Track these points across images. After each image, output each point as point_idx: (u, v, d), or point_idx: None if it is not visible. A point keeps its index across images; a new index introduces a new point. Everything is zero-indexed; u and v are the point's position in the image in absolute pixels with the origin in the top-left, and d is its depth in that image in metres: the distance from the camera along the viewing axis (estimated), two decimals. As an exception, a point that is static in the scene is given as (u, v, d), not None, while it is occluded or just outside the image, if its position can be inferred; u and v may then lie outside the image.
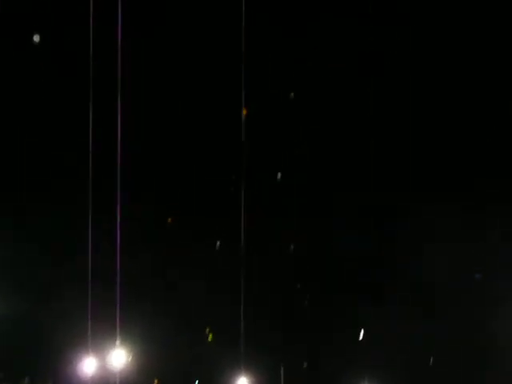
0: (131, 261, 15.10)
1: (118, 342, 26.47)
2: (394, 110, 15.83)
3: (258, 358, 15.21)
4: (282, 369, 15.70)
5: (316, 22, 15.45)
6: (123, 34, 14.30)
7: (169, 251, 16.09)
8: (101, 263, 15.47)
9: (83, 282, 18.54)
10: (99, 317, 16.31)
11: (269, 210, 15.71)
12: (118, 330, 15.56)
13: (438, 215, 14.69)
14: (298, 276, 15.98)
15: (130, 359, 33.15)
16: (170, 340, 16.89)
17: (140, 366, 18.87)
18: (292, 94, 15.86)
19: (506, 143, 15.38)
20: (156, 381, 30.67)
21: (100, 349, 31.45)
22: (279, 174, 15.94)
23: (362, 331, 16.12)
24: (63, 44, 15.39)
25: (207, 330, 16.51)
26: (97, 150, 14.56)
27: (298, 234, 15.82)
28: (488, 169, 15.53)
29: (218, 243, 15.88)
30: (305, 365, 16.11)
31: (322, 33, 15.43)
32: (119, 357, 31.90)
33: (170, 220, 16.29)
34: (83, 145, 14.80)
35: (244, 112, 15.23)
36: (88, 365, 31.63)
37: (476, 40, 15.33)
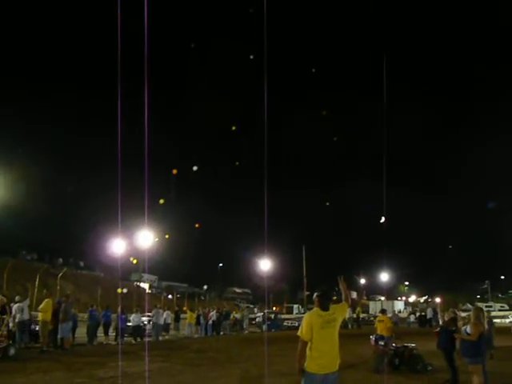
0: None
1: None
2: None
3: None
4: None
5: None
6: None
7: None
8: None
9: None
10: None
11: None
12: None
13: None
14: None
15: (156, 240, 41.51)
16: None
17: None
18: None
19: None
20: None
21: (129, 230, 38.84)
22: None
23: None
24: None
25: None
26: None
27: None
28: None
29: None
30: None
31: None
32: (146, 238, 40.05)
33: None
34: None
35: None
36: (118, 245, 39.56)
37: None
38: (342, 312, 6.16)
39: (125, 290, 44.34)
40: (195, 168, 41.17)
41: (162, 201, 39.08)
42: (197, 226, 55.80)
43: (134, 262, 51.98)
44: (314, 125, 69.28)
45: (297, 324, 38.47)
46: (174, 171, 42.47)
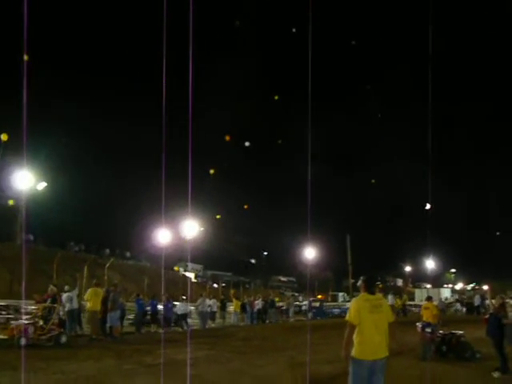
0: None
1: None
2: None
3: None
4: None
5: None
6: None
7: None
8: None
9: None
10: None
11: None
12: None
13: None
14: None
15: (201, 229, 41.79)
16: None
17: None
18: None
19: None
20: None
21: (173, 220, 39.20)
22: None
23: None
24: None
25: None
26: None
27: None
28: None
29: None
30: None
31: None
32: (191, 227, 40.50)
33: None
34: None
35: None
36: (163, 235, 40.10)
37: None
38: (388, 307, 6.12)
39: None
40: (247, 144, 41.09)
41: (212, 171, 39.26)
42: (245, 207, 55.95)
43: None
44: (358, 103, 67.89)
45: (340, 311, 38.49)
46: (227, 137, 42.24)
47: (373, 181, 70.02)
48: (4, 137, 30.76)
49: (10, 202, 38.17)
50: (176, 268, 66.02)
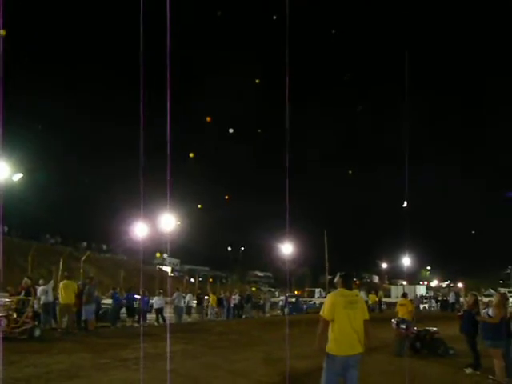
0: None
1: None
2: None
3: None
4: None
5: None
6: None
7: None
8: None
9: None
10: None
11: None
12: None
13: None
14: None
15: (178, 224, 41.66)
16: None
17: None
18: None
19: None
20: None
21: (151, 213, 38.99)
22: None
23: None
24: None
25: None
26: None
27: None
28: None
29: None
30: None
31: None
32: (169, 221, 40.31)
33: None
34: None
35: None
36: (140, 228, 39.87)
37: None
38: (364, 304, 6.15)
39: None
40: (231, 130, 40.86)
41: (191, 154, 39.00)
42: (226, 197, 55.79)
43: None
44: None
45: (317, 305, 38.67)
46: (208, 119, 41.88)
47: (350, 171, 69.92)
48: None
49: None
50: (158, 254, 65.66)
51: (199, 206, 50.43)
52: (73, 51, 72.67)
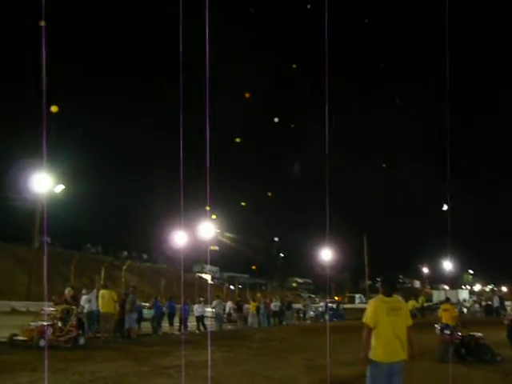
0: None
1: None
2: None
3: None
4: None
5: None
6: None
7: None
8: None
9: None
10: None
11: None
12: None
13: None
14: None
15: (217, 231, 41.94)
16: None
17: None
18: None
19: None
20: None
21: (191, 222, 39.23)
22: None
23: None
24: None
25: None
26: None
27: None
28: None
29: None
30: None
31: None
32: (208, 229, 40.61)
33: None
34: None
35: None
36: (180, 237, 40.27)
37: None
38: (407, 311, 6.10)
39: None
40: (276, 120, 40.49)
41: (238, 139, 38.99)
42: (269, 194, 55.31)
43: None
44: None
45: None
46: (247, 95, 41.33)
47: (384, 165, 67.93)
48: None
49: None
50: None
51: (243, 203, 50.16)
52: (113, 59, 73.82)
